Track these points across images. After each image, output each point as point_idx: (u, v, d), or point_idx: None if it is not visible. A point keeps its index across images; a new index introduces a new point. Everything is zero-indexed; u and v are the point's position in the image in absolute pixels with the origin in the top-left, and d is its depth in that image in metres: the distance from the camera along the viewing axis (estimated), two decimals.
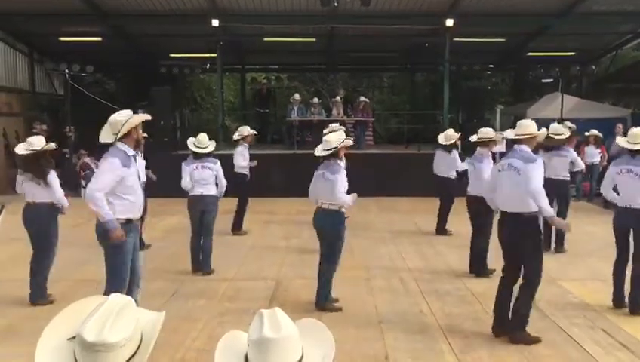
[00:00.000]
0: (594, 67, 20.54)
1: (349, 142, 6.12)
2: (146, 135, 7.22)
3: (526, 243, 5.04)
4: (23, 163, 6.36)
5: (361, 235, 9.53)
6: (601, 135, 13.63)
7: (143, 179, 6.98)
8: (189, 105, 22.65)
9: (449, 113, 16.88)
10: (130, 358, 1.66)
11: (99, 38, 17.51)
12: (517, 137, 5.20)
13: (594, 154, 13.83)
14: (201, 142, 7.58)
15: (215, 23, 15.16)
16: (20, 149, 6.24)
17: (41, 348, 1.73)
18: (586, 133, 13.52)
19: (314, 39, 18.54)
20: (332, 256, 6.02)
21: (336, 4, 13.85)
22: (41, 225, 6.22)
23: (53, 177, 6.18)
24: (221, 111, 17.26)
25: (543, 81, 18.09)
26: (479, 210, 6.86)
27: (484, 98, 16.14)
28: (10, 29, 16.61)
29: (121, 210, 4.79)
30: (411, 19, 15.79)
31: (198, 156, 7.53)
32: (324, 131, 10.82)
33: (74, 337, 1.65)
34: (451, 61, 16.69)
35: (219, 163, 7.68)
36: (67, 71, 16.74)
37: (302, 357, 1.69)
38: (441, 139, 10.07)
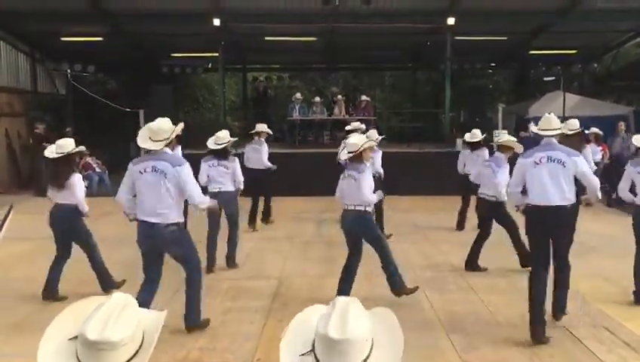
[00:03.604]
0: (596, 65, 20.51)
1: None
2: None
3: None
4: (49, 166, 6.36)
5: None
6: (601, 133, 13.59)
7: None
8: (190, 105, 22.69)
9: (450, 112, 16.87)
10: (132, 357, 1.67)
11: (100, 38, 17.51)
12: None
13: (595, 152, 13.80)
14: (220, 139, 7.64)
15: (217, 22, 15.18)
16: (50, 152, 6.19)
17: (44, 347, 1.74)
18: (587, 132, 13.50)
19: (315, 38, 18.54)
20: (385, 251, 6.08)
21: (337, 2, 13.86)
22: (67, 225, 6.29)
23: (75, 180, 6.18)
24: (223, 110, 17.27)
25: (545, 79, 18.10)
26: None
27: (486, 96, 16.13)
28: (11, 29, 16.62)
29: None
30: (412, 18, 15.76)
31: (215, 153, 7.59)
32: (347, 128, 10.97)
33: (76, 337, 1.66)
34: (453, 60, 16.67)
35: (237, 160, 7.81)
36: (69, 70, 16.78)
37: (367, 357, 1.65)
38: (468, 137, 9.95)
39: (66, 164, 6.18)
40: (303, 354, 1.73)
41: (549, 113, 5.55)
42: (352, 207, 5.84)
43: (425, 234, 9.89)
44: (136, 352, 1.68)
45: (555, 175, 5.05)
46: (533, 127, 5.57)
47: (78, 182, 6.21)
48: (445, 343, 5.05)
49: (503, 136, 7.99)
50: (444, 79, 16.84)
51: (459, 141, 15.00)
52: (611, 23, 17.11)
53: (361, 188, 5.70)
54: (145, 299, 4.98)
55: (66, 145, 6.18)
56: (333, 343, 1.62)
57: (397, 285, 6.05)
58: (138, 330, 1.70)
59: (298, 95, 16.99)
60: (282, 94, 22.62)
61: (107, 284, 6.41)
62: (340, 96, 17.19)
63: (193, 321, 5.21)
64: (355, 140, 5.95)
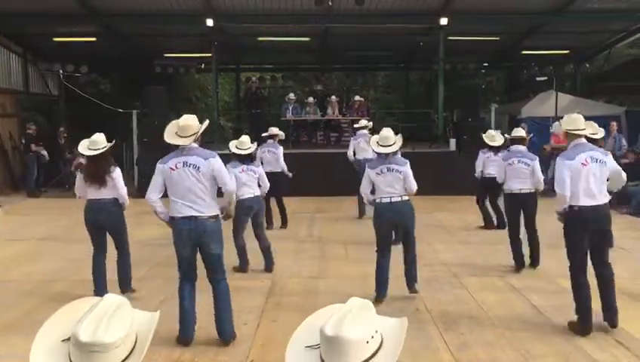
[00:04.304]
0: (588, 65, 20.61)
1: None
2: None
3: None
4: (87, 163, 6.28)
5: (355, 234, 9.55)
6: None
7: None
8: (183, 105, 22.63)
9: (444, 112, 16.92)
10: (125, 359, 1.66)
11: (93, 38, 17.46)
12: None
13: None
14: (243, 144, 7.61)
15: (210, 22, 15.16)
16: (84, 148, 6.13)
17: (36, 349, 1.73)
18: None
19: (308, 39, 18.55)
20: (414, 242, 6.39)
21: (330, 3, 13.86)
22: (110, 221, 6.23)
23: (117, 174, 6.18)
24: (216, 111, 17.25)
25: (538, 79, 18.16)
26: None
27: (479, 96, 16.18)
28: (3, 30, 16.54)
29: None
30: (405, 18, 15.81)
31: (241, 158, 7.53)
32: (355, 126, 11.39)
33: (69, 338, 1.65)
34: (446, 60, 16.73)
35: (261, 165, 7.91)
36: (61, 71, 16.70)
37: (367, 359, 1.65)
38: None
39: (105, 159, 6.15)
40: (308, 346, 1.74)
41: (577, 113, 5.76)
42: (399, 198, 6.12)
43: (419, 234, 9.86)
44: (130, 354, 1.68)
45: (600, 175, 5.22)
46: (557, 127, 5.67)
47: (120, 175, 6.21)
48: (439, 342, 5.06)
49: (520, 131, 8.11)
50: (437, 79, 16.88)
51: (452, 141, 15.09)
52: (603, 23, 17.20)
53: (410, 179, 6.11)
54: (189, 305, 5.08)
55: (100, 140, 6.12)
56: (326, 339, 1.63)
57: (414, 281, 6.34)
58: (131, 331, 1.69)
59: (291, 95, 17.01)
60: (275, 94, 22.62)
61: (126, 285, 6.27)
62: (333, 97, 17.24)
63: (231, 334, 5.11)
64: (389, 133, 6.22)
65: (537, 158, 7.65)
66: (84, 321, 1.63)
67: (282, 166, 10.09)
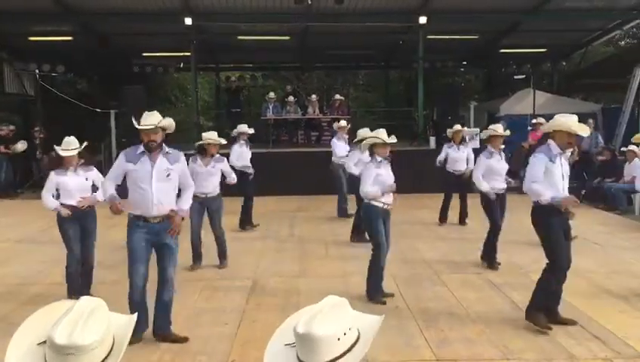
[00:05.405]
0: (564, 63, 20.87)
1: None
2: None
3: None
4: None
5: (336, 233, 9.56)
6: None
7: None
8: (163, 105, 22.49)
9: (424, 110, 17.02)
10: (102, 361, 1.64)
11: (69, 38, 17.24)
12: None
13: None
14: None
15: (188, 21, 15.07)
16: (60, 150, 6.14)
17: (12, 352, 1.71)
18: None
19: (288, 37, 18.52)
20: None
21: (310, 2, 13.85)
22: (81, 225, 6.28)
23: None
24: (196, 110, 17.15)
25: (515, 77, 18.36)
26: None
27: (459, 95, 16.30)
28: None
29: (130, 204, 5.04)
30: (385, 17, 15.87)
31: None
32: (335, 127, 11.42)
33: (44, 341, 1.64)
34: (425, 58, 16.83)
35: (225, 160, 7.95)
36: (37, 71, 16.48)
37: (339, 356, 1.68)
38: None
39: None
40: (287, 344, 1.75)
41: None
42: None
43: (400, 231, 9.93)
44: (107, 356, 1.67)
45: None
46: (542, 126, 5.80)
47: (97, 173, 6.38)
48: (419, 339, 5.09)
49: (498, 128, 8.23)
50: (417, 78, 16.97)
51: (432, 139, 15.18)
52: (579, 21, 17.43)
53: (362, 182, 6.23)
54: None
55: (73, 142, 6.12)
56: (298, 337, 1.65)
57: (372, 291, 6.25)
58: (108, 334, 1.68)
59: (272, 94, 16.97)
60: (256, 93, 22.55)
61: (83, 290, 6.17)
62: (313, 96, 17.25)
63: (169, 328, 5.11)
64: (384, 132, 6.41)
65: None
66: (59, 324, 1.61)
67: (248, 162, 9.93)
